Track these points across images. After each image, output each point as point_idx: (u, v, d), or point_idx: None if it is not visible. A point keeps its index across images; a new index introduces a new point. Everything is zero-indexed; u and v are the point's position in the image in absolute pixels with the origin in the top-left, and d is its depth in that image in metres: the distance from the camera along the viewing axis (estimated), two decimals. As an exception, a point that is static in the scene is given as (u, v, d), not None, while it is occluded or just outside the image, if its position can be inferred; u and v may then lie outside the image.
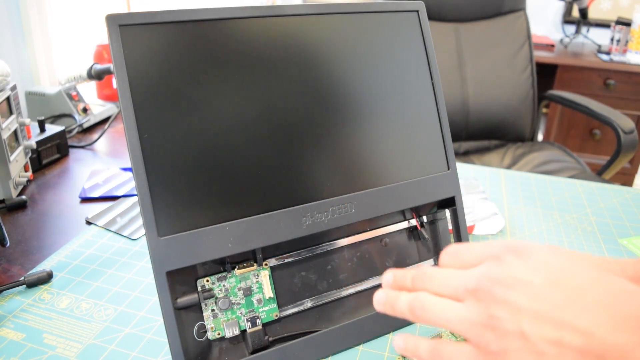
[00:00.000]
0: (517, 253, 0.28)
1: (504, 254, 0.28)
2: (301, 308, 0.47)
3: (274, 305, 0.45)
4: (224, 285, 0.44)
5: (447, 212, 0.54)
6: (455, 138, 1.52)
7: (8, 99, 0.74)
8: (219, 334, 0.43)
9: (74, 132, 1.02)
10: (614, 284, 0.25)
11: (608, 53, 2.12)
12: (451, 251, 0.32)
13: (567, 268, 0.26)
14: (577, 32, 2.35)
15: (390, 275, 0.34)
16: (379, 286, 0.51)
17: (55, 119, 1.03)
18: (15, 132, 0.76)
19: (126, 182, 0.81)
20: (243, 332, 0.44)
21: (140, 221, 0.68)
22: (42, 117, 0.90)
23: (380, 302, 0.33)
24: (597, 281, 0.25)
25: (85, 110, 1.06)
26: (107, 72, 1.02)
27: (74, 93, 1.06)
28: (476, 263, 0.30)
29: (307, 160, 0.46)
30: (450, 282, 0.30)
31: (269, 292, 0.45)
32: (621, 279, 0.26)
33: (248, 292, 0.45)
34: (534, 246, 0.28)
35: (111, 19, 0.40)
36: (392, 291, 0.33)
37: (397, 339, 0.32)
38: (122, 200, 0.75)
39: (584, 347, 0.24)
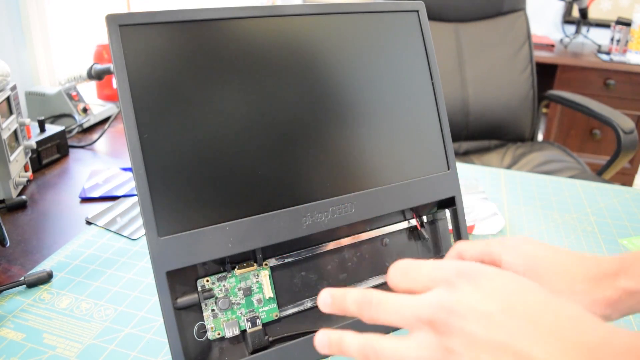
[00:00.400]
0: (469, 278, 0.27)
1: (456, 280, 0.27)
2: (301, 308, 0.47)
3: (274, 305, 0.45)
4: (224, 285, 0.44)
5: (447, 212, 0.54)
6: (455, 138, 1.52)
7: (8, 99, 0.74)
8: (219, 334, 0.43)
9: (74, 132, 1.02)
10: (564, 310, 0.25)
11: (608, 53, 2.12)
12: (400, 267, 0.30)
13: (519, 294, 0.26)
14: (577, 32, 2.35)
15: (327, 296, 0.31)
16: (379, 286, 0.51)
17: (55, 119, 1.03)
18: (15, 132, 0.76)
19: (126, 182, 0.81)
20: (243, 332, 0.44)
21: (140, 221, 0.68)
22: (42, 117, 0.90)
23: (323, 345, 0.30)
24: (549, 307, 0.25)
25: (85, 110, 1.06)
26: (107, 72, 1.02)
27: (74, 93, 1.06)
28: (426, 285, 0.28)
29: (307, 160, 0.46)
30: (402, 311, 0.28)
31: (269, 292, 0.45)
32: (570, 303, 0.26)
33: (248, 292, 0.45)
34: (483, 270, 0.28)
35: (111, 19, 0.40)
36: (334, 333, 0.30)
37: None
38: (122, 200, 0.75)
39: None
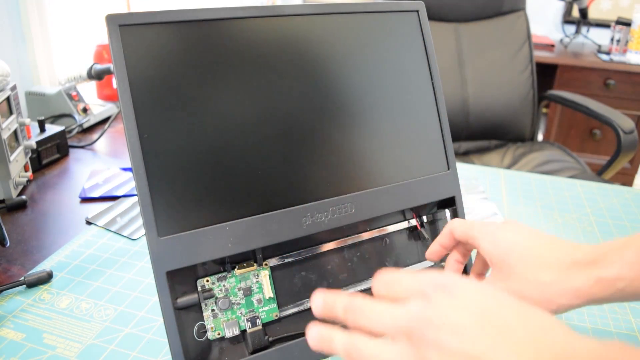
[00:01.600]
0: (445, 290, 0.28)
1: (432, 292, 0.28)
2: (301, 308, 0.47)
3: (274, 305, 0.45)
4: (224, 285, 0.44)
5: (447, 212, 0.54)
6: (455, 138, 1.52)
7: (8, 99, 0.74)
8: (219, 334, 0.43)
9: (74, 132, 1.02)
10: (538, 321, 0.27)
11: (608, 53, 2.12)
12: (384, 280, 0.32)
13: (493, 307, 0.27)
14: (577, 32, 2.35)
15: (320, 300, 0.33)
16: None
17: (55, 119, 1.03)
18: (15, 132, 0.76)
19: (126, 182, 0.81)
20: (243, 332, 0.44)
21: (140, 221, 0.68)
22: (42, 117, 0.90)
23: (315, 339, 0.31)
24: (522, 319, 0.27)
25: (85, 110, 1.06)
26: (107, 72, 1.02)
27: (74, 93, 1.06)
28: (406, 296, 0.30)
29: (307, 160, 0.46)
30: (382, 320, 0.29)
31: (269, 292, 0.45)
32: (544, 313, 0.27)
33: (248, 292, 0.45)
34: (460, 282, 0.29)
35: (111, 19, 0.40)
36: (325, 330, 0.31)
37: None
38: (122, 200, 0.75)
39: None
